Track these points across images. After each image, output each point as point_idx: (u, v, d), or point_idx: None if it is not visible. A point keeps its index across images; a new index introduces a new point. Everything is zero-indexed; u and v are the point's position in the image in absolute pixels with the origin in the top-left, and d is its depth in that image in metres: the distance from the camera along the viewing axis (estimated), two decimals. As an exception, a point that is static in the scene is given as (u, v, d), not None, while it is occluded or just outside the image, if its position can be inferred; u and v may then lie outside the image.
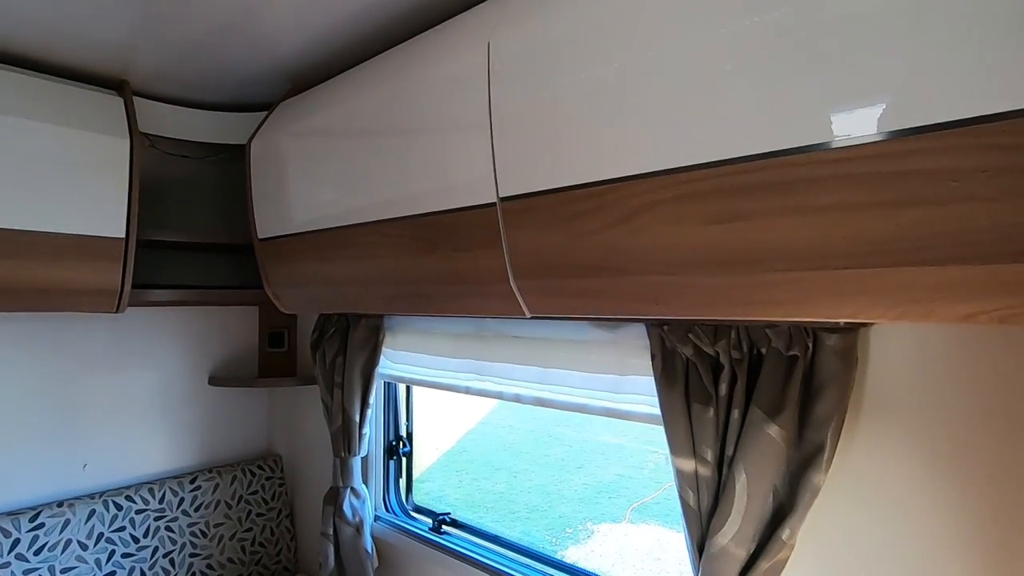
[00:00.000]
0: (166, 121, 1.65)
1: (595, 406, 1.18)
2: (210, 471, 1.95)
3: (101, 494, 1.72)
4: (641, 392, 1.10)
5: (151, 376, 1.89)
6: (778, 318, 0.72)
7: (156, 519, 1.79)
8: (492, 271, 0.93)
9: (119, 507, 1.72)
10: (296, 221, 1.33)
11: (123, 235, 1.40)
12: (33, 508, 1.59)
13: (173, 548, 1.81)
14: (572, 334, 1.21)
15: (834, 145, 0.56)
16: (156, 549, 1.77)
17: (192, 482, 1.88)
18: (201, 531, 1.88)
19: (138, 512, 1.76)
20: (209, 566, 1.87)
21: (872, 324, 0.89)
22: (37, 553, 1.56)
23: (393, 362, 1.66)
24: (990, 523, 0.81)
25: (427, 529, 1.68)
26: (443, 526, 1.67)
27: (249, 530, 1.99)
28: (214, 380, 2.02)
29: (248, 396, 2.14)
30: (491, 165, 0.89)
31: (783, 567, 0.91)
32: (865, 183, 0.55)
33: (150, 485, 1.81)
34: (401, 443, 1.82)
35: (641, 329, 1.08)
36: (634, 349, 1.11)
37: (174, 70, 1.49)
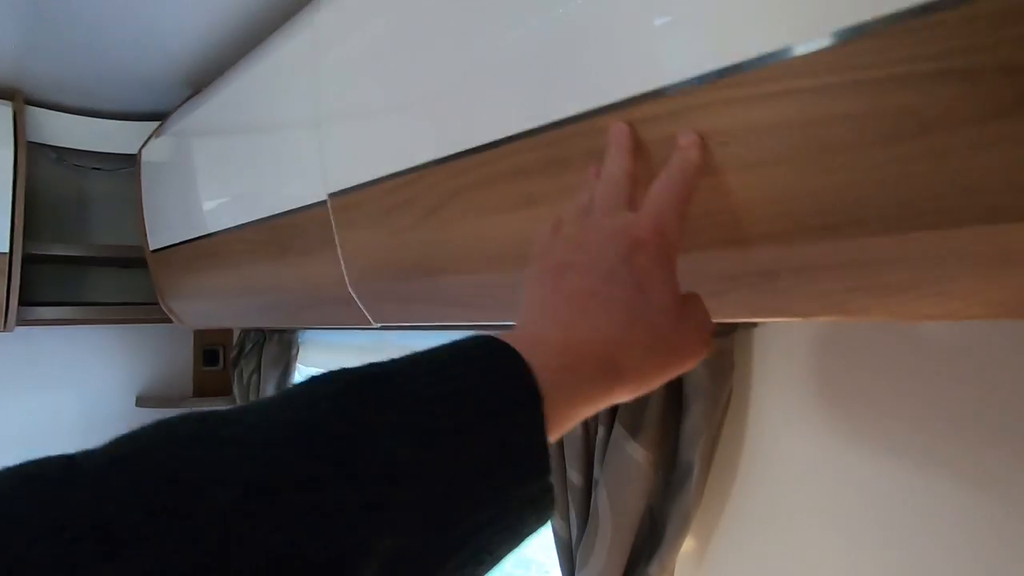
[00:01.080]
0: (73, 133, 1.59)
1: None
2: (134, 497, 1.85)
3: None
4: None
5: (69, 398, 1.81)
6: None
7: (70, 549, 1.70)
8: (331, 276, 0.84)
9: (27, 537, 1.64)
10: (179, 229, 1.25)
11: (7, 250, 1.33)
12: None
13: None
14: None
15: (597, 112, 0.47)
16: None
17: (112, 509, 1.79)
18: (121, 561, 1.78)
19: (49, 542, 1.67)
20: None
21: (753, 327, 0.79)
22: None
23: (307, 379, 1.57)
24: (887, 547, 0.69)
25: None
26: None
27: (178, 559, 1.89)
28: (142, 401, 1.94)
29: (182, 417, 2.06)
30: (319, 158, 0.80)
31: (659, 607, 0.80)
32: (639, 152, 0.46)
33: (65, 513, 1.72)
34: (326, 465, 1.72)
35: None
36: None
37: (71, 78, 1.43)
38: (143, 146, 1.42)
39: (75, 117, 1.59)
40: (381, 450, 0.25)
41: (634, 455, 0.76)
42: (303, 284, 0.93)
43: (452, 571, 0.26)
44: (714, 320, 0.43)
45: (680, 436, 0.77)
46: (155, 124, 1.62)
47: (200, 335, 2.06)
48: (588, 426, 0.84)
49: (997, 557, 0.59)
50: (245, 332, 1.69)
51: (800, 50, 0.37)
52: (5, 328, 1.37)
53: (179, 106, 1.43)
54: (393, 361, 0.30)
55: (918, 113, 0.33)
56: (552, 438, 0.30)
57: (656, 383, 0.36)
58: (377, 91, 0.71)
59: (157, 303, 1.75)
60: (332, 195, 0.80)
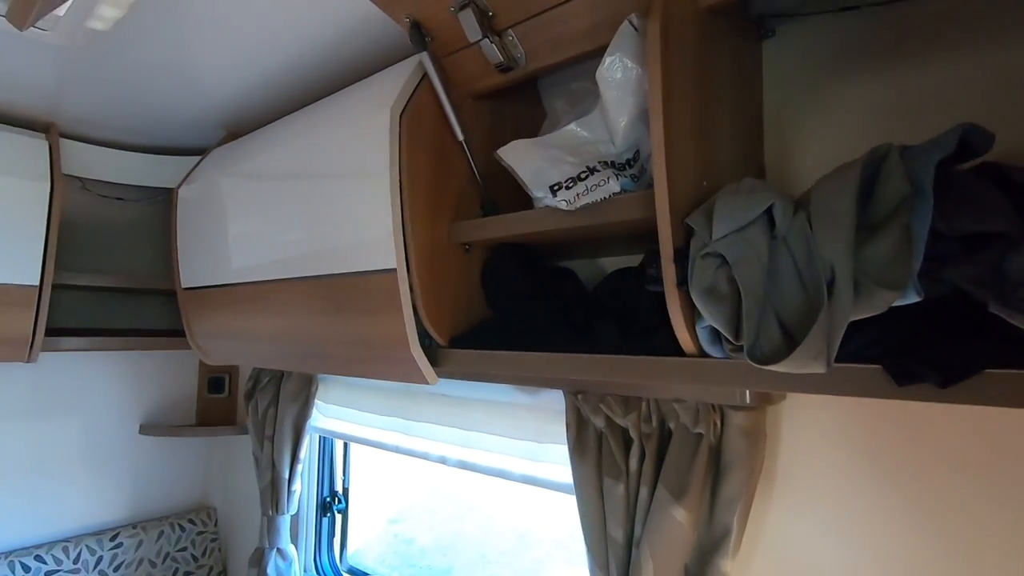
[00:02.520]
0: (99, 164, 1.61)
1: (516, 473, 1.13)
2: (134, 527, 1.84)
3: (7, 555, 1.61)
4: (559, 461, 1.06)
5: (73, 425, 1.79)
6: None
7: (69, 581, 1.68)
8: (394, 337, 0.89)
9: (27, 568, 1.61)
10: (217, 272, 1.28)
11: (37, 283, 1.34)
12: (-73, 572, 1.48)
13: (86, 612, 1.69)
14: (494, 395, 1.17)
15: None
16: (67, 613, 1.65)
17: (113, 539, 1.77)
18: (120, 592, 1.76)
19: (48, 573, 1.64)
20: (126, 631, 1.75)
21: (782, 400, 0.87)
22: (-73, 622, 1.44)
23: (325, 416, 1.60)
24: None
25: (357, 594, 1.59)
26: (373, 591, 1.58)
27: (175, 590, 1.87)
28: (146, 428, 1.92)
29: (184, 445, 2.05)
30: (390, 229, 0.86)
31: (694, 660, 0.86)
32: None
33: (65, 543, 1.70)
34: (336, 500, 1.74)
35: (560, 394, 1.05)
36: (552, 415, 1.07)
37: (104, 114, 1.45)
38: (180, 185, 1.45)
39: (101, 149, 1.61)
40: None
41: (677, 516, 0.82)
42: (358, 341, 0.98)
43: None
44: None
45: (717, 500, 0.84)
46: (178, 158, 1.65)
47: (206, 363, 2.06)
48: (628, 488, 0.90)
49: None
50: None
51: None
52: (29, 359, 1.37)
53: (216, 146, 1.47)
54: None
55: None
56: None
57: None
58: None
59: (170, 331, 1.76)
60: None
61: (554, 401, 1.08)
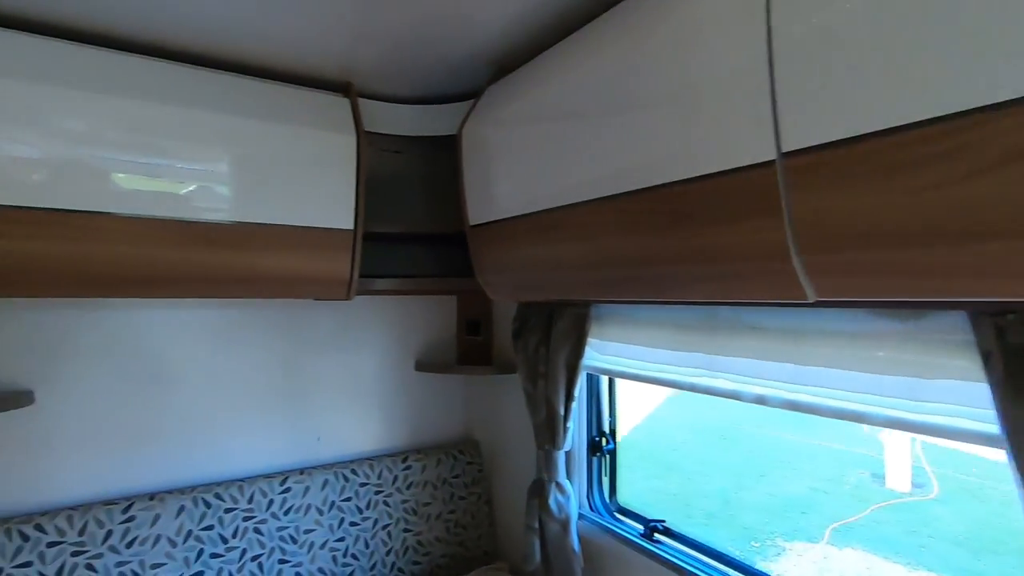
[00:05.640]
0: (378, 118, 1.73)
1: (878, 416, 0.94)
2: (419, 452, 2.04)
3: (331, 465, 1.89)
4: (957, 402, 0.84)
5: (368, 360, 2.03)
6: None
7: (376, 493, 1.92)
8: (766, 246, 0.76)
9: (346, 479, 1.88)
10: (508, 205, 1.28)
11: (351, 227, 1.48)
12: (281, 473, 1.80)
13: (390, 522, 1.92)
14: (841, 325, 0.98)
15: None
16: (376, 521, 1.90)
17: (404, 461, 1.99)
18: (412, 508, 1.97)
19: (361, 485, 1.90)
20: (419, 543, 1.97)
21: None
22: (286, 514, 1.75)
23: (601, 354, 1.56)
24: None
25: (638, 535, 1.56)
26: (655, 533, 1.53)
27: (453, 512, 2.05)
28: (420, 365, 2.11)
29: (448, 382, 2.21)
30: (770, 112, 0.72)
31: None
32: None
33: (370, 461, 1.94)
34: (604, 440, 1.71)
35: (953, 319, 0.83)
36: (942, 345, 0.86)
37: (389, 69, 1.54)
38: (462, 125, 1.48)
39: (379, 103, 1.73)
40: None
41: None
42: (701, 256, 0.87)
43: None
44: None
45: None
46: (449, 106, 1.71)
47: (464, 307, 2.18)
48: None
49: None
50: (525, 304, 1.72)
51: None
52: (349, 297, 1.54)
53: (488, 85, 1.47)
54: None
55: None
56: None
57: None
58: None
59: (451, 276, 1.85)
60: (787, 154, 0.71)
61: (942, 327, 0.86)
